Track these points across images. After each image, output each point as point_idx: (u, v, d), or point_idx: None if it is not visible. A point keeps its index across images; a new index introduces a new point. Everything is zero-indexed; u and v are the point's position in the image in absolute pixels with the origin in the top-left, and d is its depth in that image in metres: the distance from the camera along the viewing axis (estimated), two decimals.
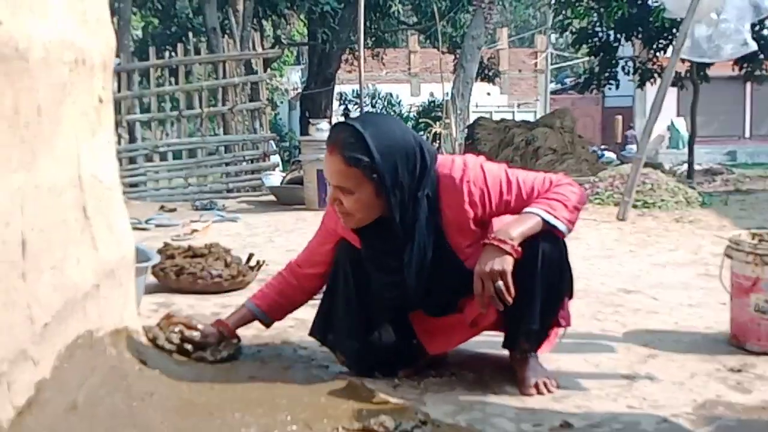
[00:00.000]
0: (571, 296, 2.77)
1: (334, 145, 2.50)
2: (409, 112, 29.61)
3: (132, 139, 11.45)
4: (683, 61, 9.15)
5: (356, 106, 24.14)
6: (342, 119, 19.71)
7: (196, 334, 2.83)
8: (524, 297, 2.53)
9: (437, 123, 13.33)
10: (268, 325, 3.00)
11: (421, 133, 13.46)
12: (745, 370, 2.95)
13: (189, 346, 2.80)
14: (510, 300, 2.47)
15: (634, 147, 24.44)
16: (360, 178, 2.49)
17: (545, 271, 2.56)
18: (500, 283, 2.44)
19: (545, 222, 2.53)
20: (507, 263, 2.46)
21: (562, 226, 2.56)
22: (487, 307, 2.51)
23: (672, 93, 18.28)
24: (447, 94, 14.08)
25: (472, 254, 2.60)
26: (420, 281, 2.63)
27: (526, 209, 2.56)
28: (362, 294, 2.76)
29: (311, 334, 2.93)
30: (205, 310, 3.82)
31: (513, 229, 2.50)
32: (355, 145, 2.47)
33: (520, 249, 2.48)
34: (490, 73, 22.63)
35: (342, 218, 2.61)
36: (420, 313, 2.81)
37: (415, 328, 2.83)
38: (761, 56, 15.30)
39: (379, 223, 2.61)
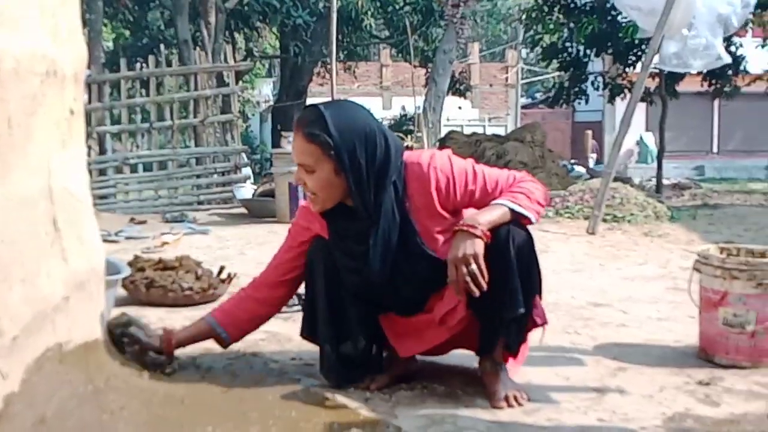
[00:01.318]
0: (540, 295, 2.78)
1: (298, 123, 2.62)
2: None
3: (102, 151, 11.38)
4: (653, 77, 9.25)
5: None
6: None
7: (137, 332, 2.82)
8: (501, 285, 2.57)
9: (409, 136, 13.37)
10: (224, 342, 2.95)
11: None
12: (714, 383, 2.97)
13: (125, 339, 2.78)
14: (484, 285, 2.51)
15: (594, 155, 24.59)
16: (319, 155, 2.57)
17: (518, 256, 2.60)
18: (474, 266, 2.49)
19: (512, 211, 2.60)
20: (478, 246, 2.51)
21: (529, 214, 2.63)
22: (462, 293, 2.54)
23: (641, 108, 18.45)
24: (419, 107, 14.13)
25: (445, 242, 2.65)
26: (384, 266, 2.65)
27: (493, 201, 2.64)
28: (336, 297, 2.77)
29: (302, 334, 2.93)
30: (175, 323, 3.77)
31: (481, 216, 2.58)
32: (315, 122, 2.58)
33: (489, 234, 2.54)
34: (462, 87, 22.72)
35: (310, 202, 2.68)
36: (390, 317, 2.82)
37: (386, 333, 2.84)
38: (729, 72, 15.51)
39: (346, 209, 2.67)
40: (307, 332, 2.90)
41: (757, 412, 2.68)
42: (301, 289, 2.96)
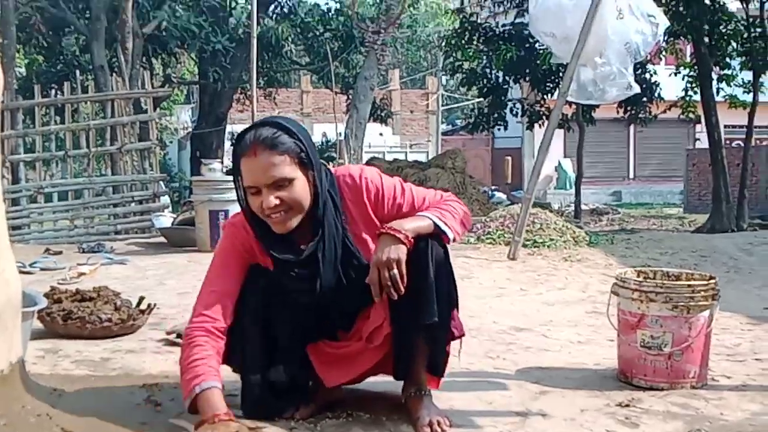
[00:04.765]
0: (457, 308, 2.79)
1: (258, 144, 2.55)
2: None
3: (15, 180, 11.08)
4: (569, 103, 9.42)
5: None
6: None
7: None
8: (418, 293, 2.59)
9: (331, 163, 13.37)
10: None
11: None
12: (633, 404, 3.03)
13: None
14: (402, 289, 2.53)
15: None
16: (292, 164, 2.57)
17: (436, 268, 2.62)
18: (395, 271, 2.52)
19: (435, 226, 2.64)
20: (401, 252, 2.54)
21: (449, 233, 2.66)
22: (379, 295, 2.56)
23: (559, 135, 18.86)
24: (340, 134, 14.17)
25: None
26: (335, 278, 2.65)
27: (419, 213, 2.69)
28: (265, 326, 2.72)
29: (225, 362, 2.78)
30: (94, 355, 3.71)
31: (406, 222, 2.61)
32: (277, 135, 2.57)
33: (413, 240, 2.57)
34: (383, 114, 22.87)
35: (281, 221, 2.59)
36: (318, 347, 2.80)
37: (313, 363, 2.80)
38: (644, 99, 15.94)
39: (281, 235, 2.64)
40: (228, 361, 2.83)
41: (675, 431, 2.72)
42: None
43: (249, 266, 2.74)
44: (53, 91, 11.65)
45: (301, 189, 2.59)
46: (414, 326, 2.64)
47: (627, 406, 3.01)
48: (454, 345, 2.84)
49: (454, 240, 2.69)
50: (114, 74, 13.71)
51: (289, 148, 2.56)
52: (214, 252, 2.85)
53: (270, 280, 2.72)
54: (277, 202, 2.55)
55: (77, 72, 11.96)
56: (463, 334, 2.83)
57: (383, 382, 2.97)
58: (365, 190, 2.71)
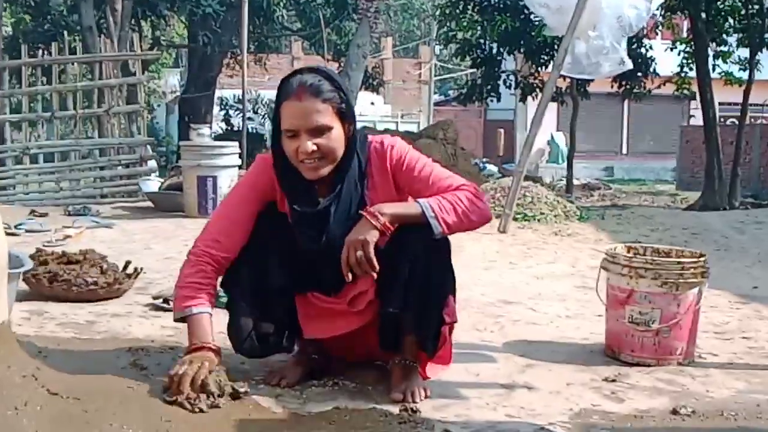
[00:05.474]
0: (454, 295, 2.81)
1: (304, 89, 2.61)
2: None
3: (1, 140, 10.99)
4: (564, 77, 9.37)
5: (238, 112, 23.82)
6: (223, 125, 19.29)
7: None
8: (388, 281, 2.63)
9: None
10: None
11: None
12: (619, 380, 3.05)
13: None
14: (371, 271, 2.57)
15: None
16: (332, 114, 2.64)
17: (413, 260, 2.64)
18: (361, 252, 2.55)
19: (424, 215, 2.62)
20: (371, 235, 2.57)
21: (435, 228, 2.62)
22: (347, 274, 2.58)
23: (552, 108, 18.80)
24: None
25: None
26: (341, 233, 2.65)
27: (418, 200, 2.67)
28: (263, 265, 2.75)
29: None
30: (79, 318, 3.71)
31: (389, 208, 2.63)
32: (323, 83, 2.64)
33: (391, 226, 2.59)
34: (375, 83, 22.75)
35: (313, 168, 2.64)
36: (306, 299, 2.83)
37: (297, 314, 2.84)
38: (639, 74, 15.86)
39: (305, 184, 2.70)
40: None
41: (660, 407, 2.75)
42: None
43: (267, 204, 2.80)
44: (40, 52, 11.51)
45: (338, 138, 2.65)
46: (395, 315, 2.69)
47: (613, 381, 3.03)
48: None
49: (440, 235, 2.65)
50: (102, 36, 13.56)
51: (333, 98, 2.64)
52: (239, 180, 2.98)
53: (280, 222, 2.77)
54: (314, 148, 2.61)
55: (65, 33, 11.80)
56: (455, 321, 2.83)
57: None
58: (389, 156, 2.75)
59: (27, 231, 6.81)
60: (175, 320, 2.75)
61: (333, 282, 2.77)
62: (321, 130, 2.61)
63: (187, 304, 2.68)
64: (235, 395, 2.54)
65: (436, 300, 2.71)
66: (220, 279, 2.80)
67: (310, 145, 2.60)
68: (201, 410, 2.43)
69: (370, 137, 2.81)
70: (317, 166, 2.64)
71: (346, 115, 2.67)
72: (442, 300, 2.73)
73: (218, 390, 2.50)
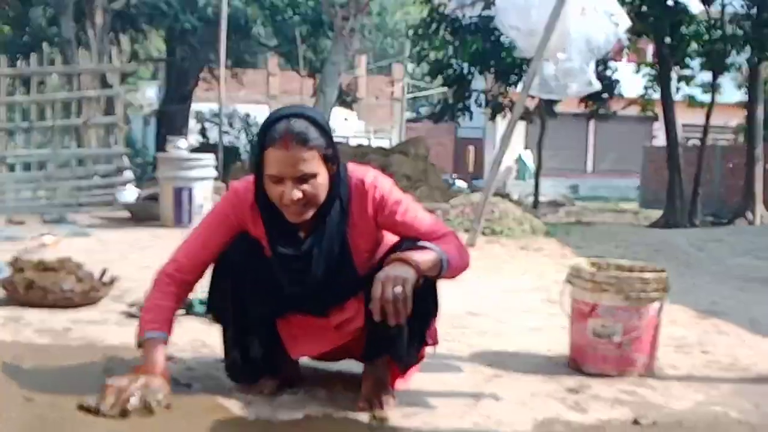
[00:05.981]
0: (436, 318, 2.89)
1: (290, 137, 2.53)
2: None
3: None
4: (532, 97, 9.51)
5: (213, 125, 23.78)
6: (199, 137, 19.13)
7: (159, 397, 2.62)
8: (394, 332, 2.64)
9: None
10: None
11: None
12: (582, 390, 3.11)
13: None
14: (405, 311, 2.47)
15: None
16: (318, 160, 2.58)
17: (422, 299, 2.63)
18: (399, 288, 2.44)
19: (440, 265, 2.62)
20: (411, 274, 2.49)
21: (447, 275, 2.68)
22: (379, 315, 2.46)
23: (521, 127, 18.98)
24: None
25: (367, 260, 2.75)
26: (323, 272, 2.69)
27: (436, 247, 2.63)
28: (246, 296, 2.78)
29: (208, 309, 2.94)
30: (56, 325, 3.74)
31: (419, 256, 2.56)
32: (309, 129, 2.56)
33: (421, 274, 2.54)
34: (349, 99, 22.82)
35: (296, 214, 2.61)
36: (288, 319, 2.86)
37: (280, 333, 2.87)
38: (605, 95, 16.08)
39: (286, 223, 2.67)
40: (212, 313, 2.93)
41: (621, 418, 2.81)
42: None
43: (236, 234, 2.78)
44: (19, 62, 11.47)
45: (323, 184, 2.61)
46: (385, 331, 2.67)
47: (576, 392, 3.08)
48: (428, 350, 2.95)
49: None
50: (81, 48, 13.55)
51: (319, 144, 2.57)
52: (211, 208, 2.92)
53: (261, 260, 2.76)
54: (300, 195, 2.56)
55: (45, 44, 11.78)
56: (437, 343, 2.92)
57: (346, 362, 3.05)
58: (370, 197, 2.71)
59: (4, 238, 6.82)
60: (137, 347, 2.75)
61: (315, 311, 2.82)
62: (306, 178, 2.56)
63: (145, 328, 2.72)
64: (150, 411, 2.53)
65: (421, 323, 2.76)
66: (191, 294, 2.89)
67: (296, 193, 2.55)
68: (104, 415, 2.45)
69: (350, 171, 2.76)
70: (301, 211, 2.60)
71: (331, 158, 2.63)
72: (425, 324, 2.79)
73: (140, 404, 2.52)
